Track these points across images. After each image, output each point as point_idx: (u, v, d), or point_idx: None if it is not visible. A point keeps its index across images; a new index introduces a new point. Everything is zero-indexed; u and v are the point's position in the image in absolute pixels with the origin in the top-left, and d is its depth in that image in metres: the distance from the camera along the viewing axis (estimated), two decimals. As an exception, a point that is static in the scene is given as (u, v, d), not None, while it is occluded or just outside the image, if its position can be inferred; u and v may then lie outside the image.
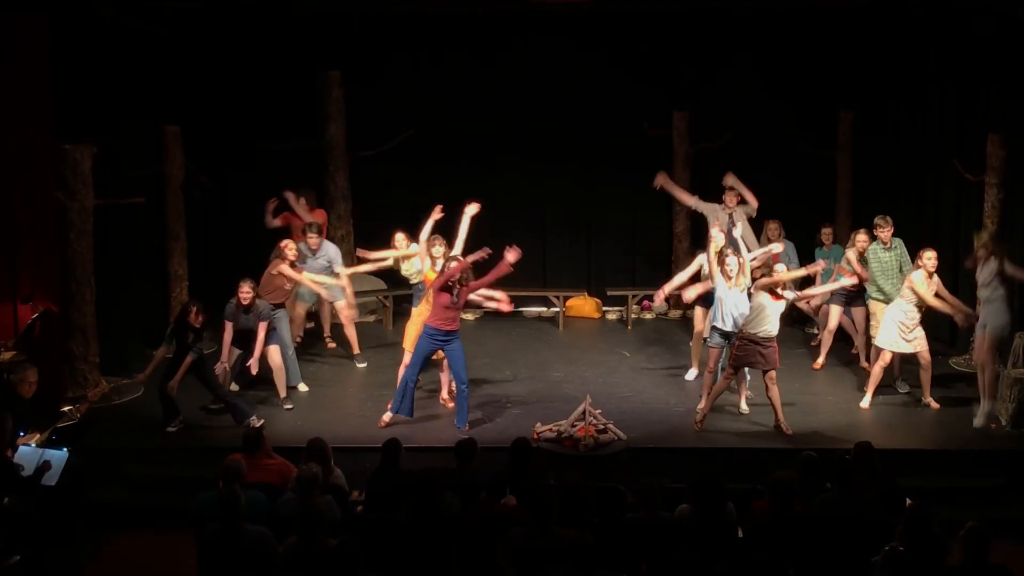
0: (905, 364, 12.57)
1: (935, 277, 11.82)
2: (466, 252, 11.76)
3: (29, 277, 11.53)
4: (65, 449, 9.48)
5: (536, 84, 15.97)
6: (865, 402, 12.15)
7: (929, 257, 11.74)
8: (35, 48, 11.44)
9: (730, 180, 13.72)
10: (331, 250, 13.65)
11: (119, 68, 13.12)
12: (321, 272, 13.31)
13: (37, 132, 11.56)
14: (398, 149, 16.05)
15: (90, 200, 12.31)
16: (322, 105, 15.99)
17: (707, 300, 12.42)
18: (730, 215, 13.75)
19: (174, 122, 14.35)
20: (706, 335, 12.30)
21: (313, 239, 13.39)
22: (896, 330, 11.92)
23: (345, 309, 13.56)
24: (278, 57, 15.28)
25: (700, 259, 12.69)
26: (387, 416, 11.60)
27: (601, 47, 15.71)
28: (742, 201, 13.82)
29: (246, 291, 11.93)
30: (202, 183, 14.85)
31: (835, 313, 13.29)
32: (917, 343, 11.95)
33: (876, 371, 12.17)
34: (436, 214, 12.26)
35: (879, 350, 12.16)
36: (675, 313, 16.21)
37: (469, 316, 16.03)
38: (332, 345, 14.43)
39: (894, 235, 12.65)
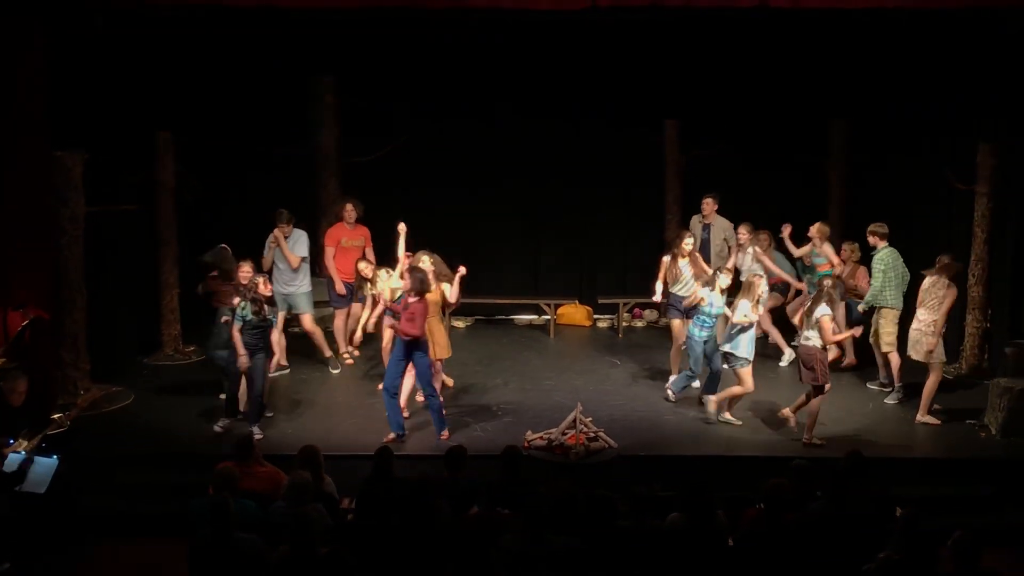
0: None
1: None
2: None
3: (20, 284, 11.50)
4: (55, 456, 9.47)
5: (528, 92, 15.95)
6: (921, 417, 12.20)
7: None
8: (29, 55, 11.43)
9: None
10: (295, 233, 13.64)
11: (111, 74, 13.10)
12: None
13: (29, 138, 11.54)
14: (391, 156, 16.03)
15: (81, 207, 12.29)
16: (314, 111, 15.98)
17: (685, 311, 12.64)
18: (705, 225, 13.92)
19: (166, 128, 14.33)
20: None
21: (287, 228, 13.50)
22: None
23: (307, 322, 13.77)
24: (270, 63, 15.24)
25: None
26: (391, 435, 11.44)
27: (595, 55, 15.67)
28: (721, 211, 14.14)
29: (246, 271, 11.90)
30: (194, 189, 14.81)
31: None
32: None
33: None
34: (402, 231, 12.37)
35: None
36: (666, 321, 16.19)
37: (460, 324, 16.03)
38: (350, 361, 14.16)
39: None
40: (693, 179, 15.94)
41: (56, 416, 10.67)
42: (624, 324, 16.01)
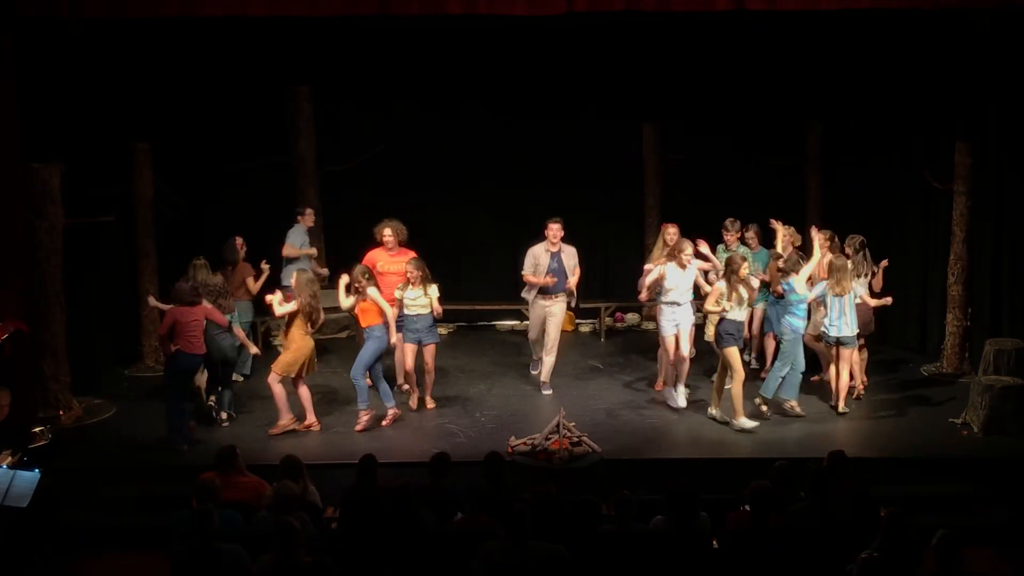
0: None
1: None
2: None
3: (-1, 296, 11.47)
4: (36, 470, 9.42)
5: (506, 97, 15.94)
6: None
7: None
8: (2, 66, 11.37)
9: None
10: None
11: (87, 85, 13.06)
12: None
13: (5, 151, 11.48)
14: (369, 164, 16.01)
15: (59, 219, 12.25)
16: (291, 121, 15.96)
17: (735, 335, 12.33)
18: (554, 254, 13.21)
19: (143, 139, 14.28)
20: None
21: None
22: None
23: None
24: (247, 72, 15.21)
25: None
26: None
27: (573, 60, 15.68)
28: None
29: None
30: (172, 200, 14.76)
31: None
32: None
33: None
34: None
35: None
36: (649, 325, 16.19)
37: (442, 330, 15.99)
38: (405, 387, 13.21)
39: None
40: (672, 182, 15.99)
41: (37, 429, 10.64)
42: (606, 327, 16.01)
